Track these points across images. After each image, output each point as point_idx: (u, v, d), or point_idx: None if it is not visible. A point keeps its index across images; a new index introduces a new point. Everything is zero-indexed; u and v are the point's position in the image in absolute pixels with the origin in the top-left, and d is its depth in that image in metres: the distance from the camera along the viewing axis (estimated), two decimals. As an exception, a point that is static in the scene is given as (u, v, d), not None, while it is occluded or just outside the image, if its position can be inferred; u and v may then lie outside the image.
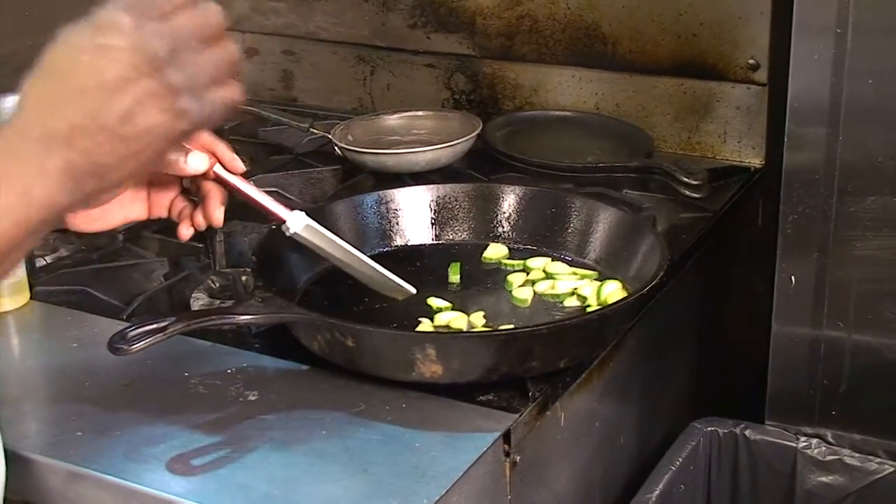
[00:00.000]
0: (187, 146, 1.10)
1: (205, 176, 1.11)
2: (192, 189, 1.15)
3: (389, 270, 1.31)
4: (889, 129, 1.35)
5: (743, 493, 1.54)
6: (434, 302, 1.35)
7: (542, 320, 1.31)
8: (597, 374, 1.30)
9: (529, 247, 1.47)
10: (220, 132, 1.88)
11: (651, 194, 1.68)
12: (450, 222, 1.50)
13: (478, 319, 1.31)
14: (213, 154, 1.12)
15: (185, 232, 1.15)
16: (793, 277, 1.45)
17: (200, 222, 1.14)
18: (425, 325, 1.30)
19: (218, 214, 1.13)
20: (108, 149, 0.84)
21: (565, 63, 1.90)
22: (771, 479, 1.51)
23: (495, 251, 1.45)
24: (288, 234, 1.21)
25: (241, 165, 1.15)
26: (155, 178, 1.13)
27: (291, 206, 1.21)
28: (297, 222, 1.20)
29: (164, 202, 1.15)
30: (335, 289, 1.38)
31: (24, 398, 1.23)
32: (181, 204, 1.15)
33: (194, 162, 1.10)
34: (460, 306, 1.34)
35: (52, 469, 1.12)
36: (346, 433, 1.14)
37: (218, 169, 1.12)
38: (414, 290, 1.29)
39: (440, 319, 1.31)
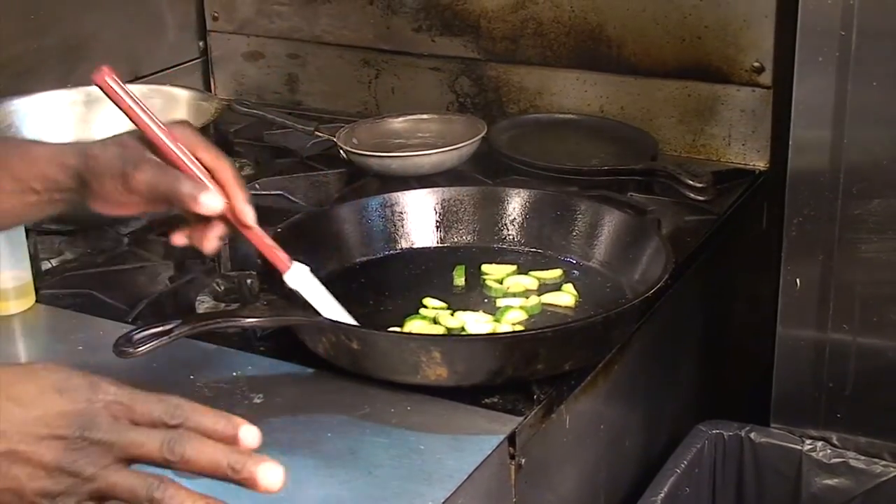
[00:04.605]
0: (206, 182, 1.11)
1: None
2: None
3: (395, 273, 1.34)
4: (894, 132, 1.35)
5: (748, 496, 1.53)
6: (429, 302, 1.35)
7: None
8: (602, 377, 1.30)
9: (534, 250, 1.47)
10: (225, 136, 1.89)
11: (656, 197, 1.68)
12: (455, 225, 1.50)
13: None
14: (229, 197, 1.12)
15: (179, 240, 1.16)
16: (798, 280, 1.45)
17: (194, 241, 1.14)
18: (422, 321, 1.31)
19: (210, 245, 1.14)
20: None
21: (570, 66, 1.90)
22: (776, 481, 1.51)
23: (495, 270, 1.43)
24: (289, 284, 1.22)
25: (250, 218, 1.14)
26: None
27: (293, 258, 1.22)
28: (296, 278, 1.21)
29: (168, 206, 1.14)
30: (340, 291, 1.38)
31: (29, 401, 1.23)
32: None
33: (209, 202, 1.09)
34: (465, 309, 1.34)
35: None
36: (352, 436, 1.14)
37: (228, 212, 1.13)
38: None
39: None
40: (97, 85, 1.13)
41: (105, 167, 1.10)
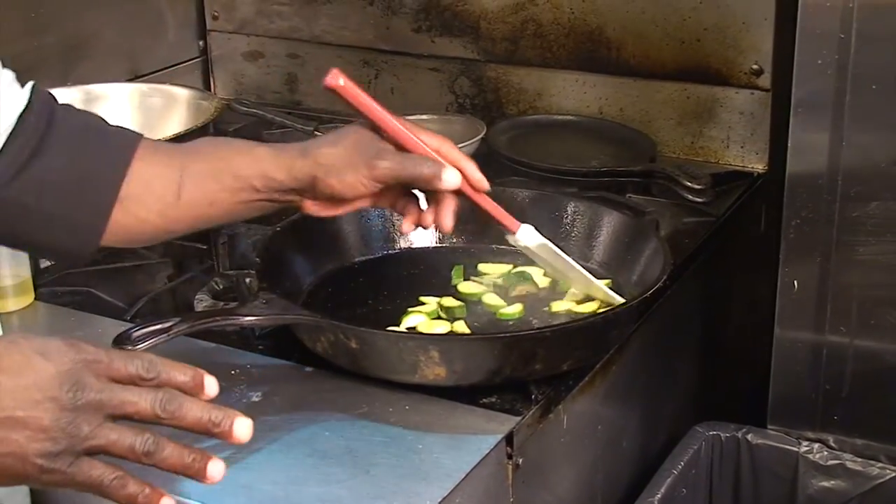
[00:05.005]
0: (440, 160, 1.17)
1: None
2: (424, 192, 1.21)
3: (394, 272, 1.34)
4: (892, 135, 1.35)
5: (745, 498, 1.54)
6: (426, 299, 1.36)
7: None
8: (600, 378, 1.30)
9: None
10: (224, 136, 1.89)
11: (654, 199, 1.69)
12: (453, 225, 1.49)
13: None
14: (462, 170, 1.19)
15: (409, 228, 1.23)
16: (795, 282, 1.45)
17: (429, 222, 1.21)
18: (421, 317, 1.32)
19: (449, 221, 1.21)
20: None
21: (569, 67, 1.91)
22: (773, 483, 1.51)
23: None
24: (517, 245, 1.30)
25: (486, 184, 1.22)
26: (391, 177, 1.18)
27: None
28: (528, 237, 1.29)
29: (391, 197, 1.21)
30: (339, 290, 1.38)
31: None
32: (406, 201, 1.22)
33: (449, 178, 1.17)
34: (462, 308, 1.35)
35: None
36: (350, 435, 1.14)
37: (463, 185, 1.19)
38: (620, 300, 1.31)
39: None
40: (329, 87, 1.18)
41: (345, 162, 1.16)
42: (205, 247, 1.53)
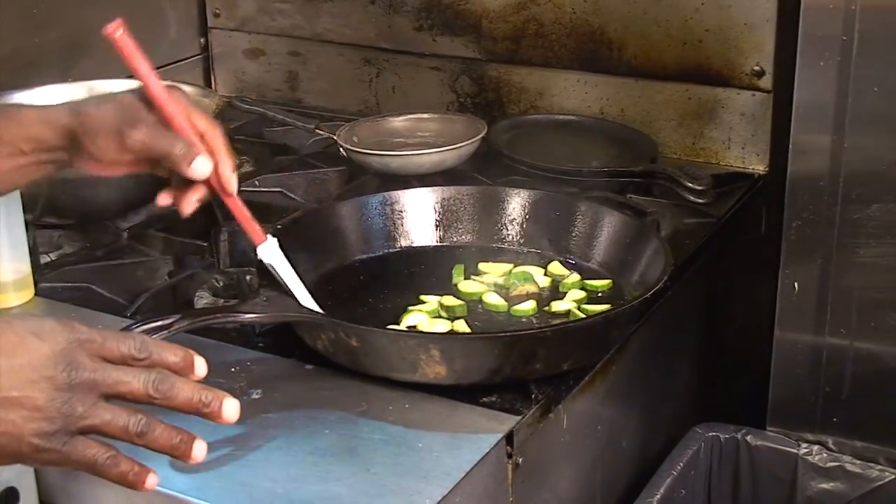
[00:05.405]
0: (197, 145, 1.11)
1: None
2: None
3: (394, 271, 1.36)
4: (894, 137, 1.35)
5: (743, 499, 1.54)
6: (427, 298, 1.36)
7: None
8: (600, 378, 1.30)
9: (533, 250, 1.47)
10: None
11: (655, 199, 1.69)
12: (454, 224, 1.50)
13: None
14: (216, 164, 1.13)
15: (163, 200, 1.16)
16: (796, 284, 1.45)
17: (175, 202, 1.15)
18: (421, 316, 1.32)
19: (189, 208, 1.15)
20: None
21: (570, 67, 1.91)
22: (772, 485, 1.51)
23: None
24: (259, 257, 1.23)
25: (233, 186, 1.15)
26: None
27: (269, 232, 1.24)
28: (268, 252, 1.23)
29: (164, 168, 1.14)
30: (339, 288, 1.39)
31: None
32: (173, 173, 1.15)
33: (199, 167, 1.11)
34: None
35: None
36: (349, 433, 1.14)
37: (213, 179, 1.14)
38: None
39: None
40: (108, 36, 1.13)
41: (100, 124, 1.11)
42: (205, 244, 1.53)
